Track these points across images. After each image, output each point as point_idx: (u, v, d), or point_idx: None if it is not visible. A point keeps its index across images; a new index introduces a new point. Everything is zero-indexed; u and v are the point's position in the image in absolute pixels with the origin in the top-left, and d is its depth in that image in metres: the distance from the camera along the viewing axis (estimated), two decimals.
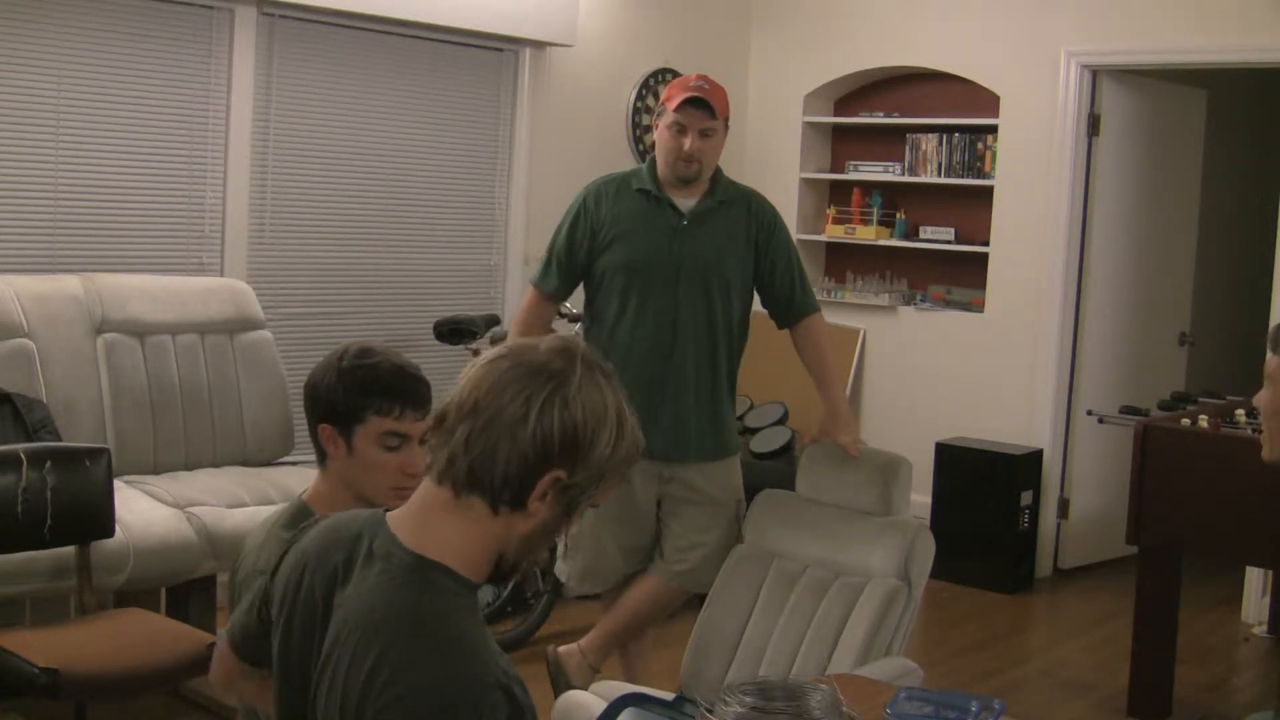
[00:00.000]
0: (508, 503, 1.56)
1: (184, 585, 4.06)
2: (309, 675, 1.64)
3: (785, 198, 6.73)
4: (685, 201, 3.60)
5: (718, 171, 3.67)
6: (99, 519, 3.59)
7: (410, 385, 2.27)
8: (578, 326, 3.89)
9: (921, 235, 6.62)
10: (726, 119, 3.61)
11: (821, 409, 3.65)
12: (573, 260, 3.64)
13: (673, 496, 3.62)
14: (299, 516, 2.29)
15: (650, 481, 3.60)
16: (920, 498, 5.75)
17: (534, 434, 1.53)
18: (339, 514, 1.77)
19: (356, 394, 2.23)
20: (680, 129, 3.53)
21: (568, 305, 5.49)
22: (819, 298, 6.41)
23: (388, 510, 1.68)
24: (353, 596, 1.59)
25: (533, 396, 1.54)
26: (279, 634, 1.70)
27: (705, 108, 3.53)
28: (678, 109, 3.53)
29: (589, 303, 3.71)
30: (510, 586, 4.94)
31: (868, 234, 6.69)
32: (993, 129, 6.30)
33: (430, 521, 1.60)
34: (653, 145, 3.70)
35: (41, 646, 3.24)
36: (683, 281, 3.55)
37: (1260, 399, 2.98)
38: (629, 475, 1.66)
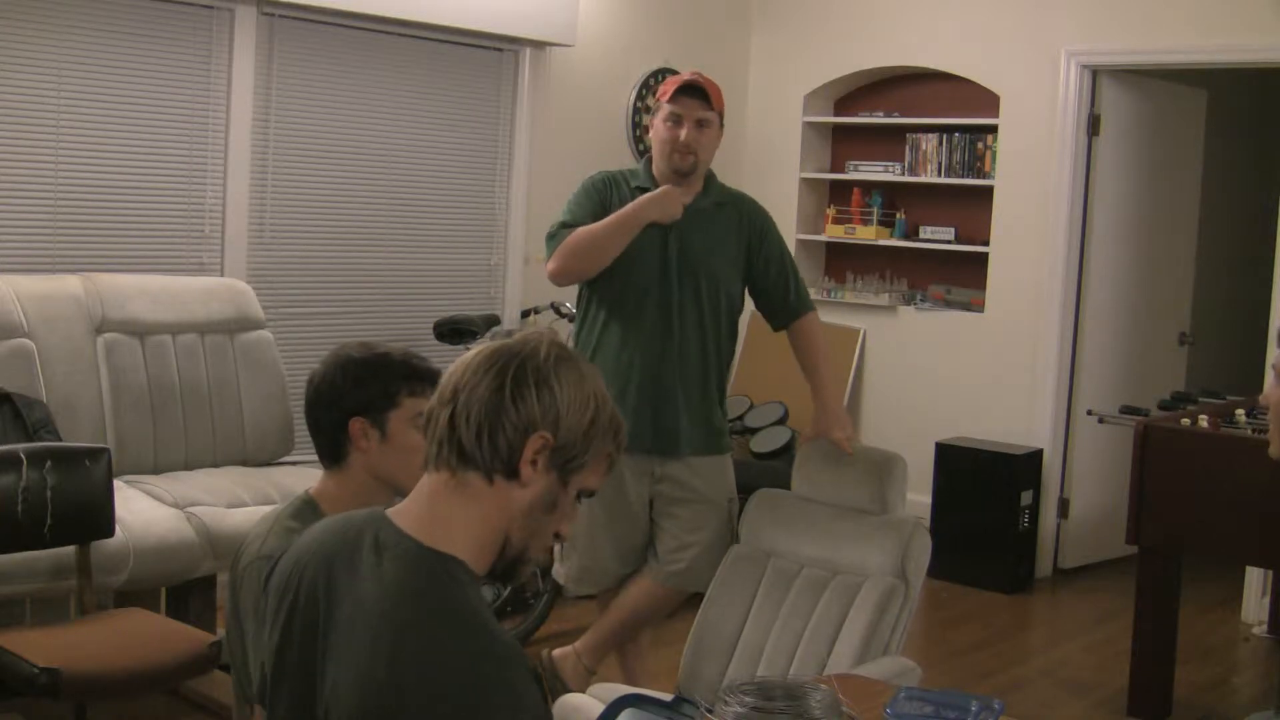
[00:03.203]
0: (501, 471, 1.63)
1: (184, 585, 4.06)
2: (312, 671, 1.64)
3: (785, 198, 6.74)
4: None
5: (711, 174, 3.68)
6: (99, 519, 3.59)
7: (429, 365, 2.40)
8: (571, 325, 3.88)
9: (921, 235, 6.62)
10: (722, 113, 3.62)
11: (815, 408, 3.66)
12: (593, 206, 3.58)
13: (664, 496, 3.62)
14: (306, 509, 2.33)
15: (642, 480, 3.60)
16: (920, 498, 5.76)
17: (511, 399, 1.62)
18: (335, 516, 1.78)
19: (390, 380, 2.33)
20: (676, 119, 3.55)
21: (567, 305, 5.52)
22: (819, 298, 6.54)
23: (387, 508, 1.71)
24: (364, 586, 1.61)
25: (505, 368, 1.63)
26: (277, 634, 1.70)
27: (700, 96, 3.55)
28: (672, 99, 3.56)
29: (582, 299, 3.71)
30: (510, 586, 4.94)
31: (868, 234, 6.69)
32: (993, 129, 6.30)
33: (433, 509, 1.64)
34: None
35: (41, 646, 3.23)
36: (676, 278, 3.56)
37: (1269, 396, 2.95)
38: (618, 456, 1.73)
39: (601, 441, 1.68)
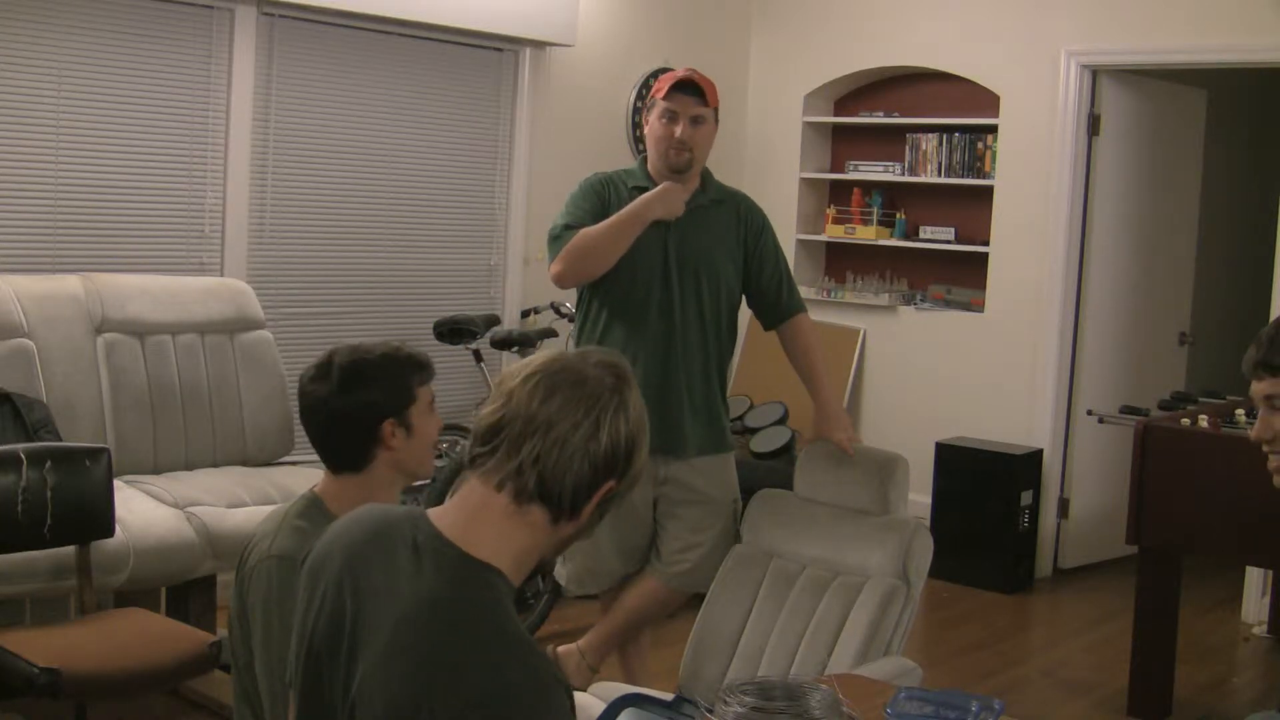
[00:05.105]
0: (567, 512, 1.66)
1: (184, 585, 4.06)
2: (335, 663, 1.63)
3: (785, 198, 6.74)
4: None
5: (708, 172, 3.68)
6: (99, 519, 3.59)
7: (420, 351, 2.50)
8: (572, 325, 3.87)
9: (921, 235, 6.62)
10: (717, 109, 3.62)
11: (815, 410, 3.66)
12: (593, 207, 3.57)
13: (668, 497, 3.62)
14: (312, 508, 2.35)
15: (646, 482, 3.59)
16: (920, 498, 5.76)
17: (605, 451, 1.65)
18: (368, 507, 1.79)
19: (403, 378, 2.42)
20: (671, 116, 3.55)
21: (566, 305, 5.51)
22: (819, 298, 6.56)
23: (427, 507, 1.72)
24: (400, 587, 1.60)
25: (601, 416, 1.65)
26: (308, 621, 1.69)
27: (695, 92, 3.55)
28: (667, 96, 3.56)
29: (582, 300, 3.71)
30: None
31: (868, 234, 6.69)
32: (993, 129, 6.30)
33: (482, 524, 1.64)
34: None
35: (41, 646, 3.23)
36: (676, 278, 3.56)
37: (1262, 430, 2.83)
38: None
39: (644, 471, 1.75)
